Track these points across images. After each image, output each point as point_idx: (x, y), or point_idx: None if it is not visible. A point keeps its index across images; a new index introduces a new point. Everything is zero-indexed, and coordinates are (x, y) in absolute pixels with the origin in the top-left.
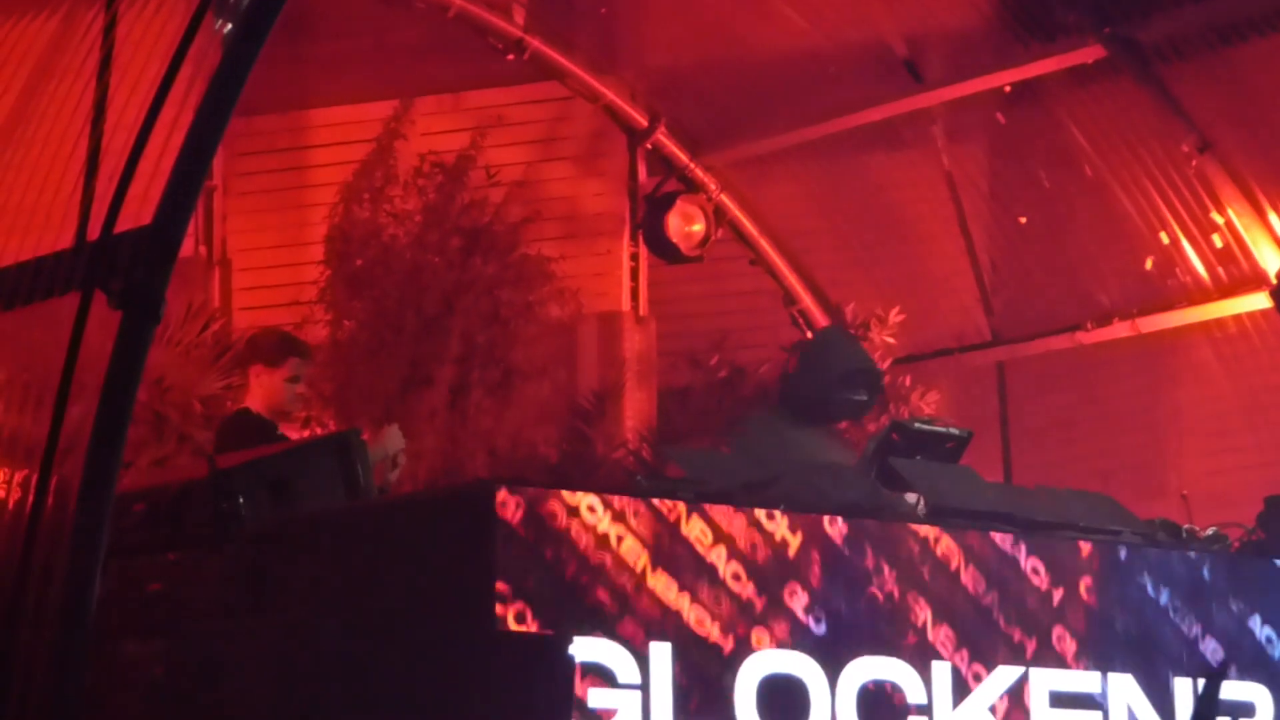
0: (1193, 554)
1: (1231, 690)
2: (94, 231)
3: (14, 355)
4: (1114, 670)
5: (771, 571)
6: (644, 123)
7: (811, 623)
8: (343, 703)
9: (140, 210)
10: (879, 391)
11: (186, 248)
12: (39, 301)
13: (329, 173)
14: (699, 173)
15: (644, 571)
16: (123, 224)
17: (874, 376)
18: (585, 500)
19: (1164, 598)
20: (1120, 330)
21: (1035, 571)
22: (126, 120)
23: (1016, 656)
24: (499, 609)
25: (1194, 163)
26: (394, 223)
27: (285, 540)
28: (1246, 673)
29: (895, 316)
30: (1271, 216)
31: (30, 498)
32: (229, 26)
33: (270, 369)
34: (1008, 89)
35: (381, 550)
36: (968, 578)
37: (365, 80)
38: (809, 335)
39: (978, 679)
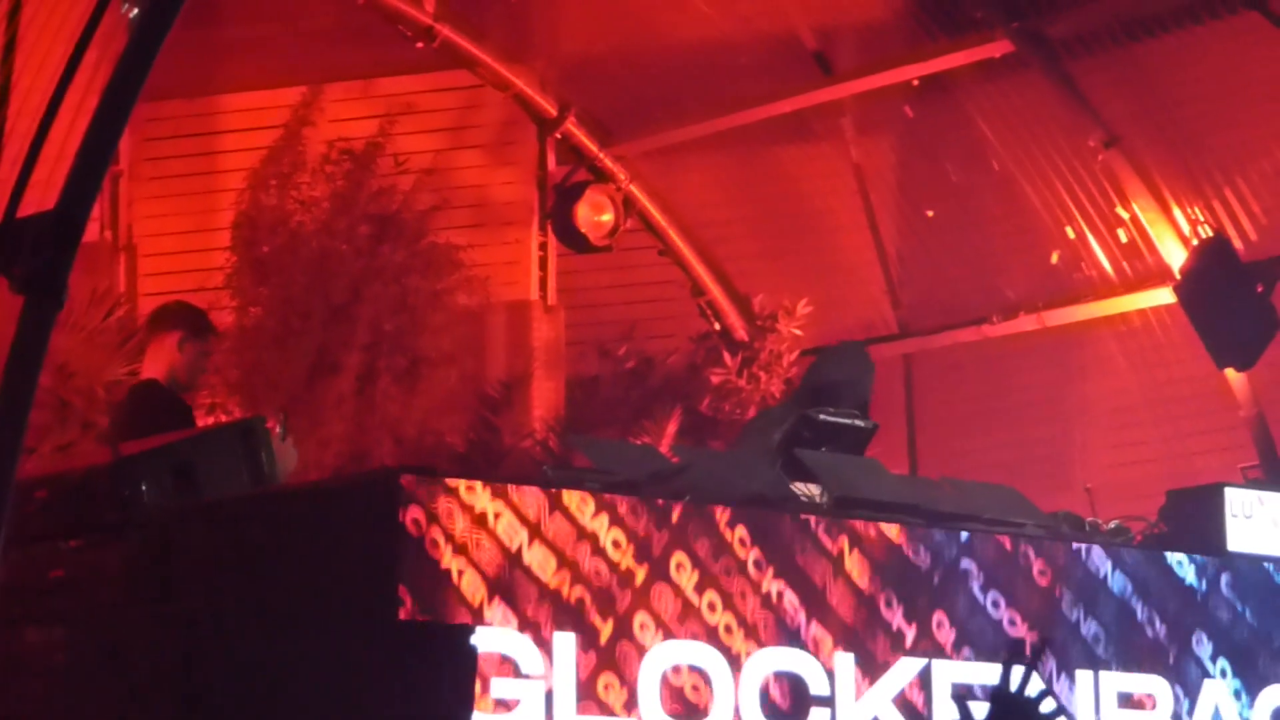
0: (1095, 547)
1: (1130, 683)
2: None
3: None
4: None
5: (678, 564)
6: (553, 112)
7: (715, 615)
8: (245, 690)
9: (44, 195)
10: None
11: (92, 233)
12: None
13: (237, 159)
14: (608, 162)
15: (548, 562)
16: (26, 209)
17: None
18: (492, 490)
19: (1067, 591)
20: (1026, 324)
21: (939, 564)
22: (31, 105)
23: (919, 648)
24: (402, 598)
25: (1100, 158)
26: (302, 209)
27: (189, 527)
28: (1145, 666)
29: (803, 308)
30: (1176, 212)
31: None
32: (136, 10)
33: (195, 338)
34: (916, 82)
35: (285, 538)
36: (873, 569)
37: (274, 66)
38: (716, 328)
39: (881, 670)
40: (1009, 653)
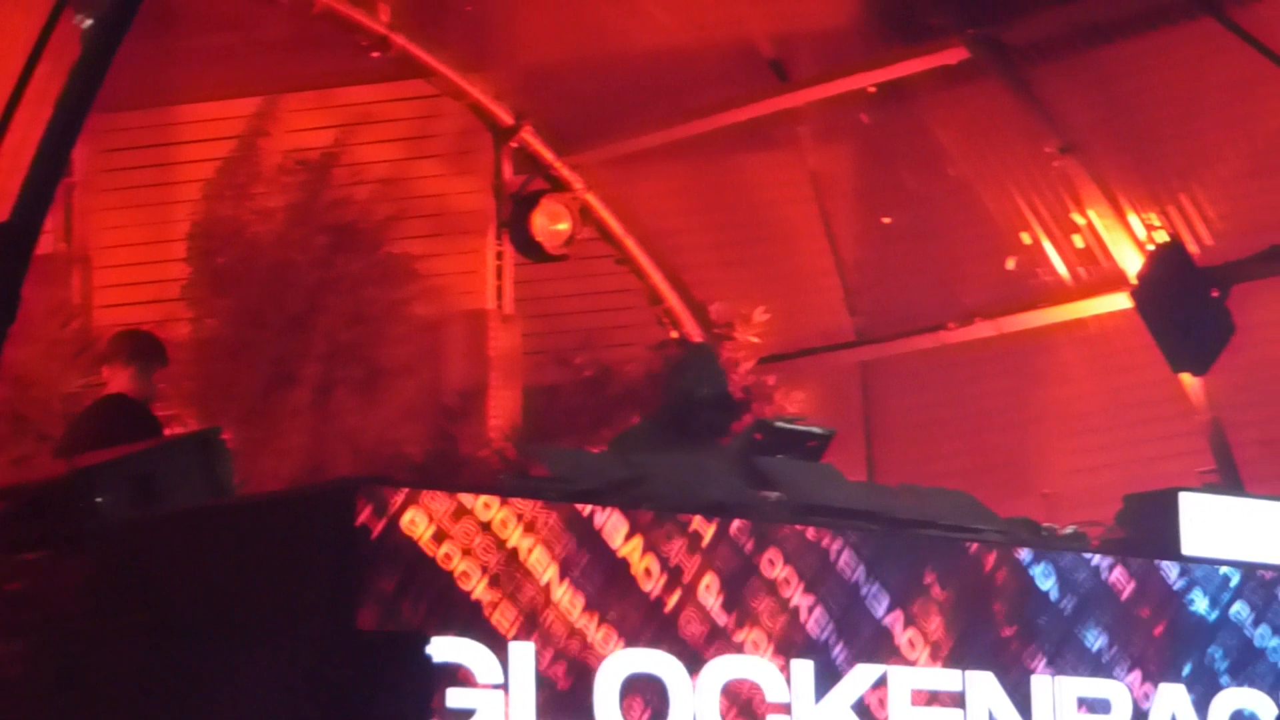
0: (1054, 553)
1: (1091, 688)
2: None
3: None
4: (973, 669)
5: (633, 570)
6: (510, 121)
7: (671, 621)
8: (204, 701)
9: None
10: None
11: (47, 244)
12: None
13: (193, 169)
14: (565, 171)
15: (506, 571)
16: None
17: (728, 400)
18: (449, 500)
19: (1025, 597)
20: (983, 330)
21: (896, 569)
22: None
23: (877, 654)
24: (359, 608)
25: (1056, 164)
26: (258, 220)
27: (147, 538)
28: (1106, 670)
29: (760, 316)
30: (1132, 217)
31: None
32: (88, 21)
33: (151, 364)
34: (873, 90)
35: (244, 549)
36: (830, 575)
37: (230, 76)
38: (674, 336)
39: (838, 677)
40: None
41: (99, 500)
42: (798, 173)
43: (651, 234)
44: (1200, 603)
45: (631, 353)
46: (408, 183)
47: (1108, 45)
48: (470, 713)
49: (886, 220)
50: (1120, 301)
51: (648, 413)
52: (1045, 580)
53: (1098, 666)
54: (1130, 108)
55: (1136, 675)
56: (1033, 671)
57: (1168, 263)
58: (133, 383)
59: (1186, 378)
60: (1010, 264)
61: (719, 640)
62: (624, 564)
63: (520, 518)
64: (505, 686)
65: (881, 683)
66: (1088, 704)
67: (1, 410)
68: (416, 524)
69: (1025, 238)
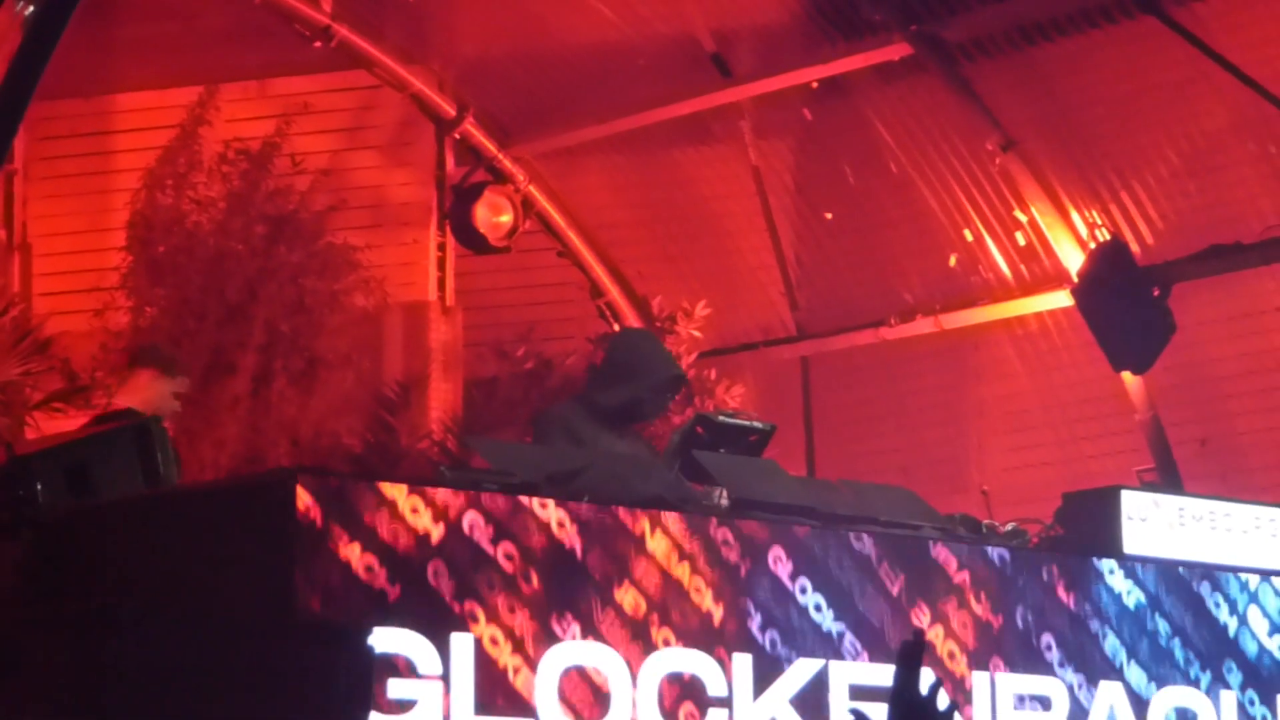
0: (991, 549)
1: (1029, 685)
2: None
3: None
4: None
5: (573, 563)
6: (452, 112)
7: (612, 614)
8: (141, 693)
9: None
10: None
11: None
12: None
13: (132, 158)
14: (507, 163)
15: (446, 562)
16: None
17: (683, 382)
18: (388, 491)
19: (963, 593)
20: (923, 326)
21: (838, 564)
22: None
23: (818, 649)
24: (298, 599)
25: (998, 161)
26: (197, 209)
27: (83, 528)
28: (1044, 667)
29: (701, 310)
30: (1073, 215)
31: None
32: (30, 8)
33: (165, 377)
34: (815, 85)
35: (181, 539)
36: (771, 568)
37: (170, 65)
38: (616, 329)
39: (778, 671)
40: (902, 652)
41: (36, 489)
42: (739, 167)
43: (593, 227)
44: (1141, 601)
45: (572, 345)
46: (348, 173)
47: (1049, 43)
48: (411, 704)
49: (828, 216)
50: (1061, 299)
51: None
52: (987, 575)
53: (1039, 664)
54: (1071, 105)
55: (1078, 672)
56: (972, 669)
57: (1109, 261)
58: (143, 396)
59: (1127, 376)
60: (952, 261)
61: (659, 633)
62: (569, 555)
63: (462, 509)
64: (446, 678)
65: (821, 677)
66: (1027, 701)
67: None
68: (354, 515)
69: (967, 234)
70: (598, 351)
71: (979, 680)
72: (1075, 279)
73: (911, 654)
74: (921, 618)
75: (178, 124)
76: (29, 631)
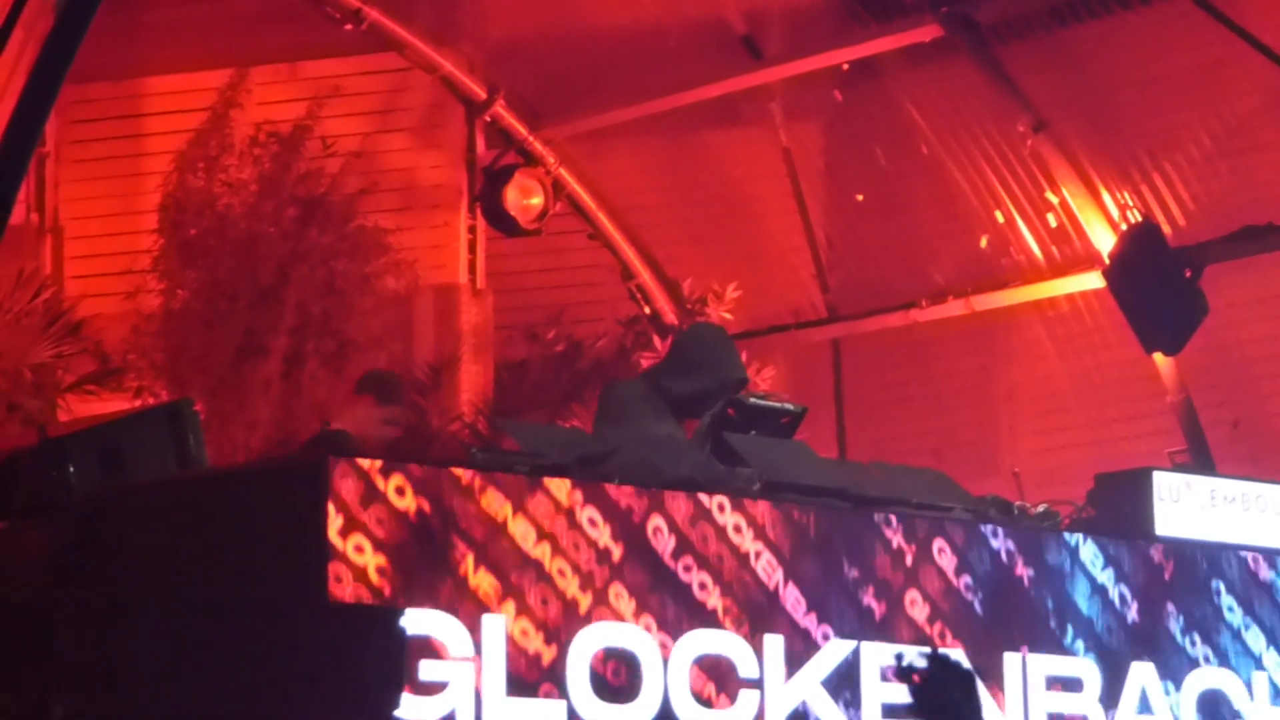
0: (1027, 531)
1: (1061, 665)
2: None
3: None
4: (946, 646)
5: (607, 545)
6: (483, 95)
7: (644, 596)
8: (174, 674)
9: None
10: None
11: (18, 215)
12: None
13: (163, 141)
14: (538, 146)
15: (479, 544)
16: None
17: (745, 385)
18: (420, 473)
19: (998, 574)
20: (954, 308)
21: (876, 547)
22: None
23: (849, 630)
24: (331, 581)
25: (1029, 143)
26: (229, 192)
27: (116, 510)
28: (1076, 649)
29: (732, 292)
30: (1105, 196)
31: None
32: None
33: (380, 405)
34: (846, 67)
35: (214, 521)
36: (803, 552)
37: (200, 48)
38: (646, 311)
39: (810, 653)
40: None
41: (69, 471)
42: (770, 149)
43: (624, 209)
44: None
45: (602, 328)
46: (378, 156)
47: (1080, 24)
48: (443, 685)
49: (859, 198)
50: (1092, 281)
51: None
52: (1018, 559)
53: (1068, 645)
54: (1103, 87)
55: (1108, 653)
56: (1005, 649)
57: (1141, 242)
58: (357, 420)
59: (1158, 358)
60: (983, 242)
61: (693, 615)
62: (596, 540)
63: (492, 491)
64: (477, 659)
65: (854, 658)
66: (1059, 682)
67: None
68: (387, 497)
69: (998, 216)
70: (627, 334)
71: (1011, 661)
72: (1107, 260)
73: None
74: (972, 599)
75: (208, 107)
76: (60, 612)
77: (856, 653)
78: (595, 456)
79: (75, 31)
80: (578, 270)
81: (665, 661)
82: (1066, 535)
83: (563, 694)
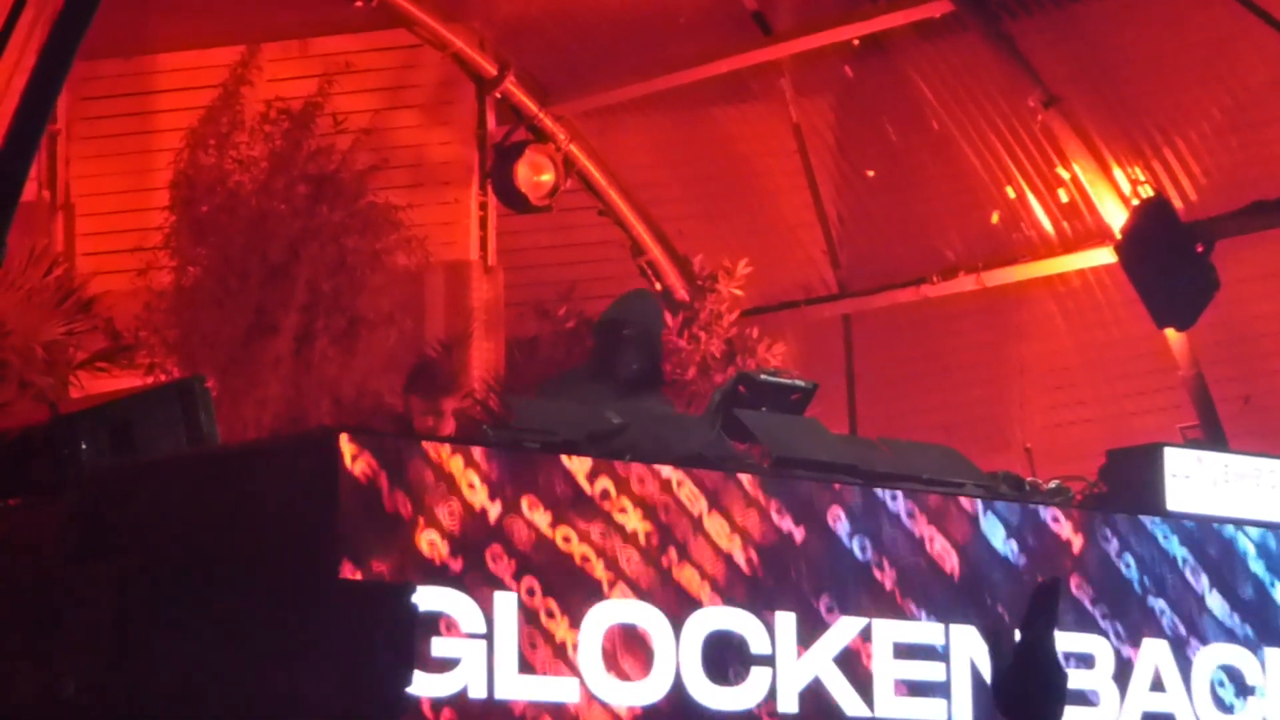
0: (1035, 507)
1: (1070, 642)
2: None
3: None
4: (956, 622)
5: (616, 521)
6: (493, 71)
7: (654, 573)
8: (183, 650)
9: None
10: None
11: (29, 192)
12: None
13: (174, 118)
14: (548, 122)
15: (489, 521)
16: None
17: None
18: (430, 449)
19: (1007, 551)
20: (965, 284)
21: (883, 524)
22: None
23: (859, 607)
24: (341, 557)
25: (1040, 118)
26: (240, 169)
27: (127, 486)
28: (1086, 625)
29: (742, 268)
30: (1116, 171)
31: None
32: None
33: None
34: (856, 43)
35: (224, 497)
36: (813, 529)
37: (211, 25)
38: (657, 287)
39: (821, 629)
40: (1037, 594)
41: (80, 448)
42: (780, 125)
43: (634, 186)
44: (1187, 557)
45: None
46: (389, 132)
47: None
48: (454, 662)
49: (870, 174)
50: (1103, 256)
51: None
52: (1025, 535)
53: (1084, 621)
54: (1114, 62)
55: (1119, 629)
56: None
57: (1152, 218)
58: None
59: (1170, 333)
60: (994, 218)
61: (704, 592)
62: (607, 515)
63: (505, 468)
64: (489, 636)
65: (865, 635)
66: (1072, 659)
67: None
68: (397, 474)
69: (1009, 192)
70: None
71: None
72: (1118, 236)
73: (1046, 602)
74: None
75: (219, 84)
76: (72, 588)
77: (868, 630)
78: (605, 433)
79: (86, 9)
80: (588, 247)
81: (677, 638)
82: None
83: (575, 671)
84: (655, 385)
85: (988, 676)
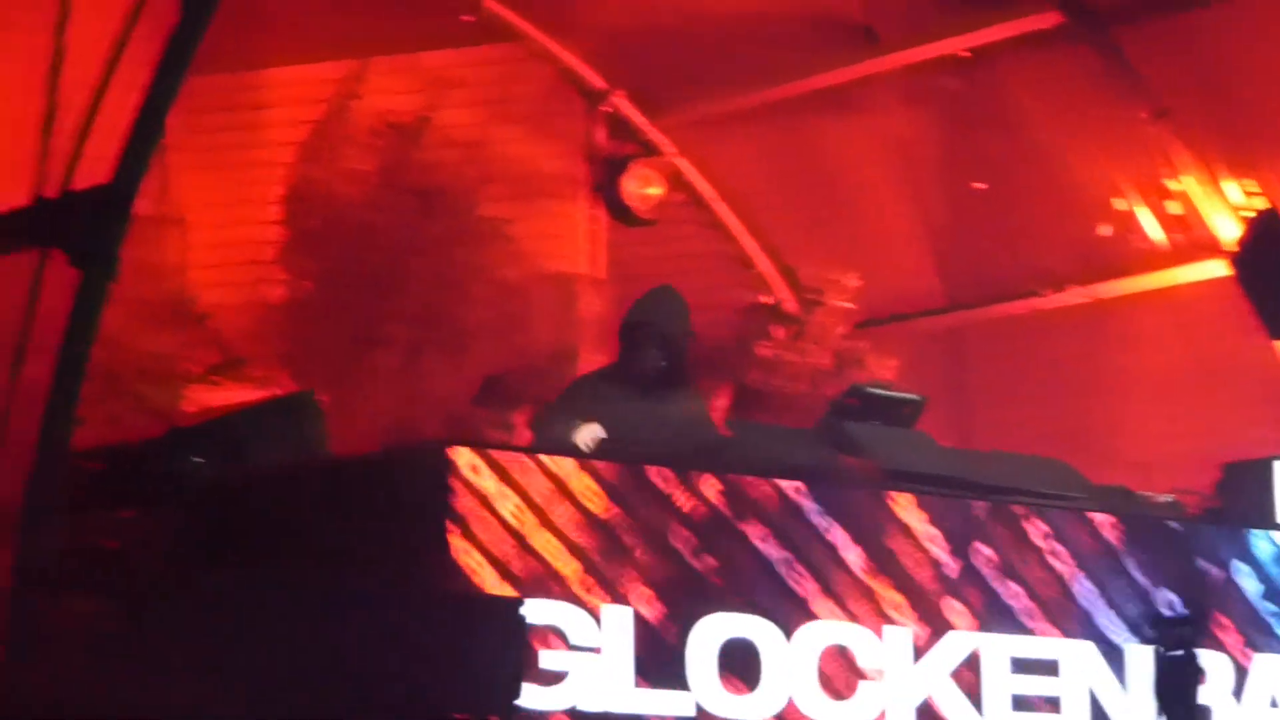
0: (1150, 520)
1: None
2: (51, 189)
3: None
4: (1072, 637)
5: (725, 535)
6: (600, 84)
7: (766, 586)
8: (295, 661)
9: (97, 168)
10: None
11: (141, 206)
12: None
13: (283, 132)
14: (655, 135)
15: (600, 533)
16: (79, 182)
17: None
18: (540, 461)
19: (1122, 564)
20: (1076, 296)
21: (993, 537)
22: (83, 78)
23: (974, 621)
24: (452, 568)
25: (1150, 129)
26: (349, 183)
27: (239, 498)
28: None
29: (852, 281)
30: (1227, 183)
31: None
32: None
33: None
34: (964, 54)
35: (336, 509)
36: (926, 542)
37: (319, 40)
38: (765, 301)
39: (933, 643)
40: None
41: (194, 460)
42: (887, 137)
43: (741, 198)
44: None
45: (720, 317)
46: (496, 146)
47: (1201, 8)
48: (563, 675)
49: (979, 186)
50: (1214, 268)
51: (736, 377)
52: (1139, 550)
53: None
54: (1224, 72)
55: (1237, 643)
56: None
57: (1266, 230)
58: None
59: None
60: (1104, 230)
61: (812, 604)
62: (724, 526)
63: (613, 482)
64: (600, 649)
65: (976, 651)
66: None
67: (96, 371)
68: (508, 485)
69: (1118, 204)
70: (745, 323)
71: (1135, 653)
72: (1229, 248)
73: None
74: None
75: (327, 98)
76: (187, 600)
77: (976, 646)
78: (713, 446)
79: (199, 24)
80: (696, 259)
81: (788, 652)
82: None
83: (686, 685)
84: (680, 383)
85: (1102, 693)
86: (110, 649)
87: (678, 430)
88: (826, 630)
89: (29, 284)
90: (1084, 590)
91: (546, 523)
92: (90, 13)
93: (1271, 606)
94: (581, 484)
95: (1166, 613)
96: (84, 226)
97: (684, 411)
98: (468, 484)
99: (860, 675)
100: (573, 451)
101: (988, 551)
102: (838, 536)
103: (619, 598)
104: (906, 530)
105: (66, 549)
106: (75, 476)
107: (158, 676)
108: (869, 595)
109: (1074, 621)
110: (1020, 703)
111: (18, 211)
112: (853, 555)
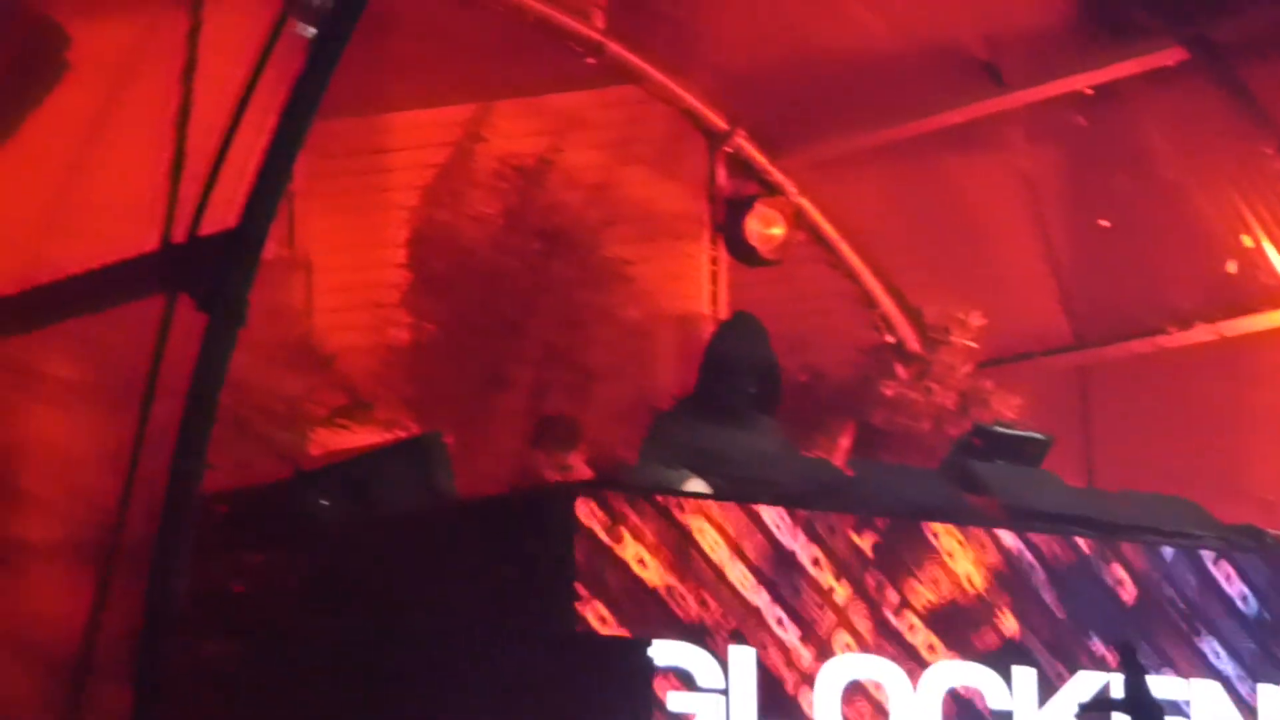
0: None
1: None
2: (179, 234)
3: (99, 358)
4: (1199, 677)
5: (855, 574)
6: (722, 125)
7: (894, 626)
8: (422, 704)
9: (224, 213)
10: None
11: (268, 250)
12: (124, 304)
13: (408, 176)
14: (778, 175)
15: (726, 574)
16: (207, 227)
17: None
18: (665, 503)
19: (1250, 604)
20: (1203, 334)
21: (1120, 578)
22: (211, 123)
23: (1099, 662)
24: (579, 611)
25: (1276, 165)
26: (474, 225)
27: (366, 541)
28: None
29: (976, 320)
30: None
31: (115, 501)
32: (312, 31)
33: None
34: (1088, 91)
35: (462, 551)
36: (1052, 582)
37: (444, 83)
38: (889, 340)
39: (1060, 684)
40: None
41: (321, 503)
42: (1011, 174)
43: (864, 237)
44: None
45: (844, 356)
46: (619, 187)
47: None
48: (690, 717)
49: (1104, 223)
50: None
51: (861, 417)
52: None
53: None
54: None
55: None
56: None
57: None
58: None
59: None
60: (1231, 267)
61: (938, 646)
62: (860, 568)
63: (737, 521)
64: (726, 691)
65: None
66: None
67: (223, 414)
68: (633, 527)
69: (1246, 240)
70: (870, 363)
71: (1265, 694)
72: None
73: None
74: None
75: (452, 141)
76: (312, 643)
77: (1107, 686)
78: (837, 485)
79: (325, 70)
80: (819, 299)
81: (914, 692)
82: None
83: None
84: (761, 413)
85: None
86: (238, 691)
87: (771, 463)
88: (954, 671)
89: (157, 329)
90: (1214, 629)
91: (672, 563)
92: (218, 60)
93: None
94: (713, 526)
95: None
96: (211, 271)
97: (771, 444)
98: (593, 528)
99: (988, 716)
100: (693, 493)
101: (1115, 592)
102: (968, 576)
103: (745, 638)
104: (1029, 570)
105: (195, 591)
106: (204, 519)
107: (285, 719)
108: (999, 634)
109: (1201, 661)
110: None
111: (146, 256)
112: (983, 595)
